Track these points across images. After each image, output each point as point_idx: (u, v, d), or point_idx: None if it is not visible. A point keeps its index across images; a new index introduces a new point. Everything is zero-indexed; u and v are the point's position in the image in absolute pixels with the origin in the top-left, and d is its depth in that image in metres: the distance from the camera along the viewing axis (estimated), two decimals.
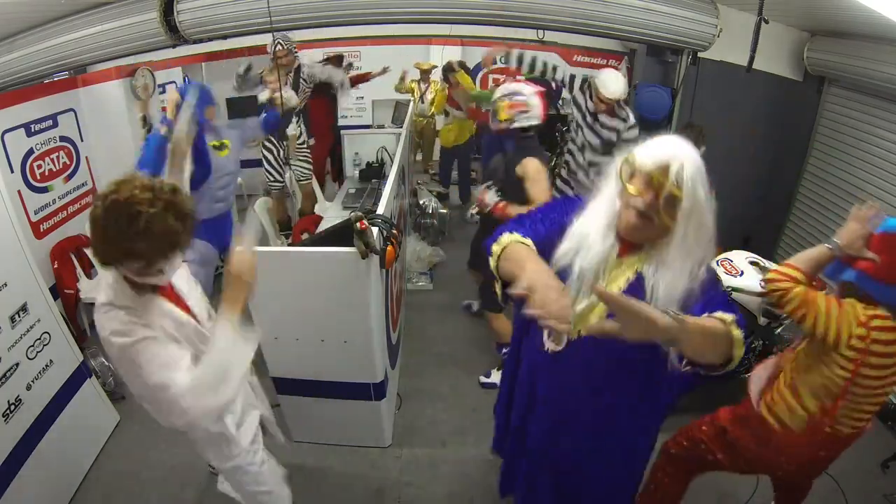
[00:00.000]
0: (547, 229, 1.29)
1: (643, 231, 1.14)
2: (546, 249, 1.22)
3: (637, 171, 1.12)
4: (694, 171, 1.07)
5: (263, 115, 3.01)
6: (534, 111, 2.37)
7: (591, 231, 1.21)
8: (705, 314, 1.09)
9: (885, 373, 1.43)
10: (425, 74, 5.25)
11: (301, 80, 3.83)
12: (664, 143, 1.12)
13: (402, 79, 5.21)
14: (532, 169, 2.31)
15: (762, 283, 1.64)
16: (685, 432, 1.86)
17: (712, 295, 1.16)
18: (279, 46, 3.50)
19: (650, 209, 1.10)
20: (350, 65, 4.67)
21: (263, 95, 3.21)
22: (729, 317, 1.08)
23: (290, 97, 3.64)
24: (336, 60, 4.38)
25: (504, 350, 2.88)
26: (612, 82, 2.85)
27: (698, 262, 1.13)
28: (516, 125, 2.38)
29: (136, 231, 1.09)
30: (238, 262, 1.29)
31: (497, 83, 5.64)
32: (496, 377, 2.90)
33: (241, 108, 2.96)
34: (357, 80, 4.58)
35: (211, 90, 2.60)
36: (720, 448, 1.75)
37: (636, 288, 1.17)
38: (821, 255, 1.52)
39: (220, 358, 1.23)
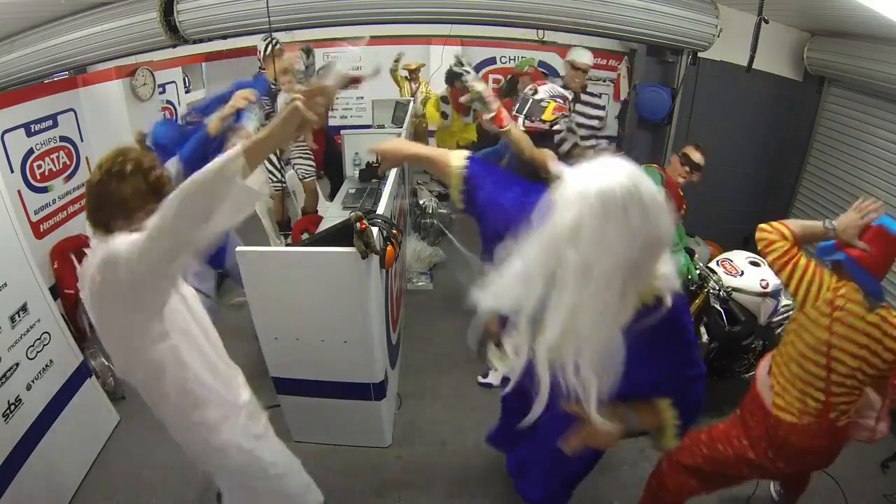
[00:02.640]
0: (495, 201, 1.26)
1: None
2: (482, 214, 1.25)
3: None
4: (574, 230, 0.89)
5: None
6: (567, 116, 2.42)
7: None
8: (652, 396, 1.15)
9: (856, 353, 1.48)
10: (414, 74, 5.26)
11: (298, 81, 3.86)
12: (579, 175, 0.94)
13: (398, 60, 5.22)
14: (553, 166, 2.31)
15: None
16: (687, 442, 1.85)
17: (666, 368, 1.10)
18: (278, 45, 3.51)
19: None
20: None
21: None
22: (665, 406, 1.15)
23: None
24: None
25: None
26: (583, 53, 3.09)
27: (603, 337, 0.95)
28: (556, 127, 2.40)
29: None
30: (310, 92, 1.09)
31: (498, 84, 5.68)
32: (493, 377, 2.91)
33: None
34: (351, 83, 4.59)
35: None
36: (724, 457, 1.74)
37: None
38: (815, 227, 1.61)
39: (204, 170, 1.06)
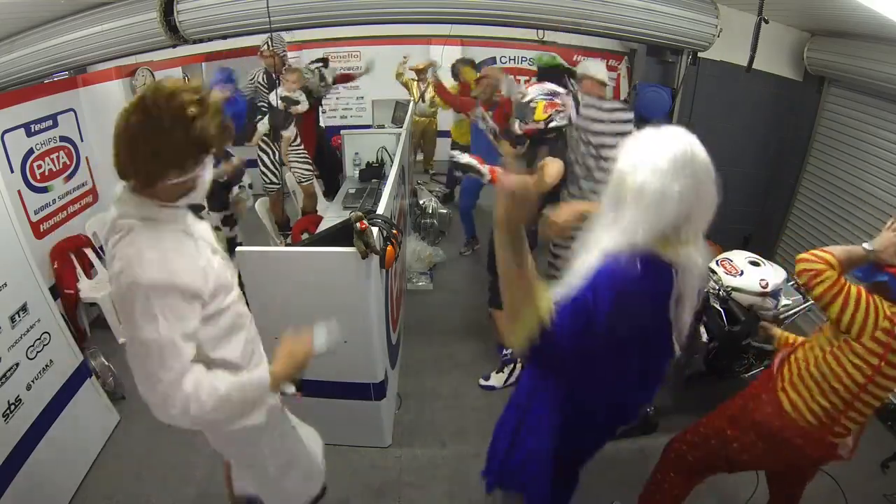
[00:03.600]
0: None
1: None
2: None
3: None
4: (648, 160, 1.12)
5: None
6: (567, 111, 2.39)
7: None
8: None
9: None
10: (422, 74, 5.20)
11: None
12: (650, 132, 1.18)
13: (404, 63, 5.09)
14: (554, 170, 2.28)
15: (794, 283, 1.64)
16: (692, 430, 1.85)
17: (577, 291, 1.10)
18: (265, 46, 3.53)
19: None
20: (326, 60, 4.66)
21: (281, 91, 3.26)
22: (546, 299, 1.05)
23: (302, 103, 3.70)
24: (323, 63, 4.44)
25: (505, 351, 2.88)
26: (596, 66, 3.00)
27: (610, 240, 1.16)
28: (553, 125, 2.38)
29: (180, 123, 1.01)
30: (295, 343, 1.35)
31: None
32: (495, 380, 2.90)
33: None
34: (340, 80, 4.61)
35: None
36: (730, 436, 1.72)
37: None
38: (854, 252, 1.52)
39: (247, 385, 1.22)
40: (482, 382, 2.92)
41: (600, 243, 1.17)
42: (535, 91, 2.40)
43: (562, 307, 1.07)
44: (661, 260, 1.15)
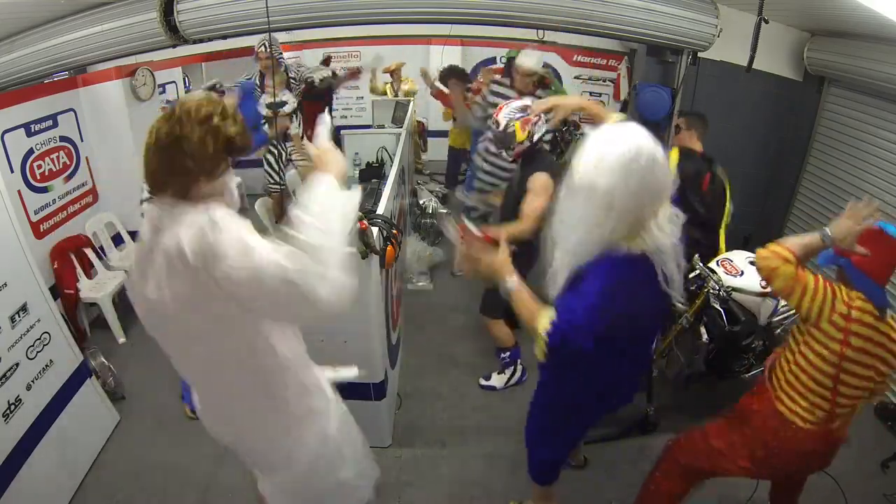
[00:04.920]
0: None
1: None
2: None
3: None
4: (596, 160, 1.19)
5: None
6: (541, 119, 2.35)
7: None
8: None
9: (868, 363, 1.46)
10: (396, 74, 5.38)
11: (290, 80, 3.90)
12: (601, 131, 1.24)
13: (373, 79, 5.33)
14: (538, 184, 2.31)
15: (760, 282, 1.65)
16: (689, 440, 1.85)
17: (570, 295, 1.29)
18: (262, 47, 3.52)
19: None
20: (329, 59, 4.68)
21: (263, 101, 3.25)
22: (545, 318, 1.28)
23: (290, 103, 3.69)
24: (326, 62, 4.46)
25: (503, 354, 2.87)
26: (529, 57, 3.15)
27: (578, 241, 1.26)
28: (537, 137, 2.36)
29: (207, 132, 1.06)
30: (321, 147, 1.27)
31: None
32: (496, 380, 2.91)
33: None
34: (351, 76, 4.61)
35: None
36: (738, 463, 1.72)
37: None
38: (812, 242, 1.54)
39: (322, 200, 1.14)
40: (482, 382, 2.92)
41: (568, 243, 1.29)
42: (505, 115, 2.35)
43: (573, 313, 1.25)
44: (635, 255, 1.24)
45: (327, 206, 1.13)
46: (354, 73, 4.69)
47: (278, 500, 1.51)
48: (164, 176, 1.09)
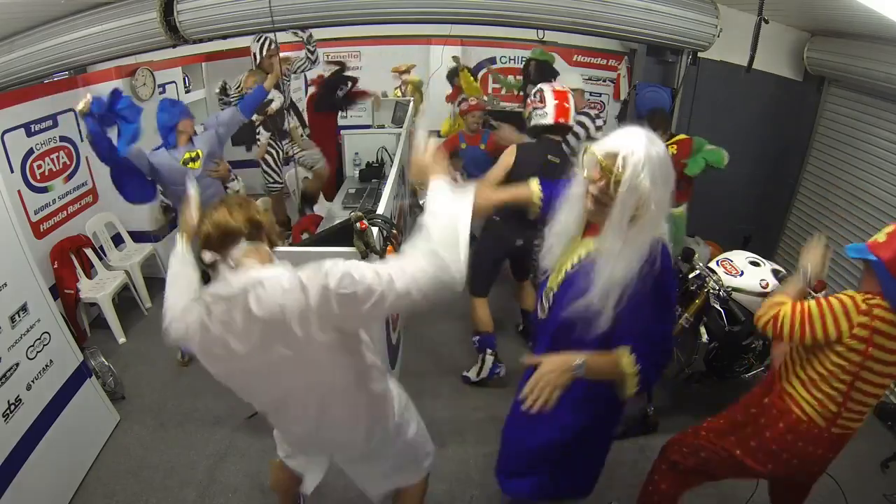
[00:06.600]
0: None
1: (599, 215, 1.25)
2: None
3: (593, 158, 1.22)
4: (641, 160, 1.15)
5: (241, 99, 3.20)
6: (548, 108, 2.45)
7: (564, 211, 1.39)
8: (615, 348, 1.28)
9: (890, 364, 1.43)
10: (404, 74, 5.42)
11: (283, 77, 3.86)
12: (620, 133, 1.22)
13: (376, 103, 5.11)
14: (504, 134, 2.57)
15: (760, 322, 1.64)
16: (690, 438, 1.84)
17: (631, 318, 1.23)
18: (272, 46, 3.51)
19: (602, 194, 1.21)
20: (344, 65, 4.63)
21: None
22: (625, 354, 1.26)
23: (275, 100, 3.68)
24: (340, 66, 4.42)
25: (476, 338, 2.88)
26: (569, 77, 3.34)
27: (637, 250, 1.19)
28: (533, 122, 2.46)
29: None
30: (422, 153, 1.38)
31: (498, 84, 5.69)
32: (472, 372, 2.93)
33: None
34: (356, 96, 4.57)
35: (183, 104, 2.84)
36: (739, 459, 1.71)
37: (586, 267, 1.29)
38: (798, 283, 1.61)
39: (443, 212, 1.25)
40: (464, 374, 2.96)
41: (623, 257, 1.21)
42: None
43: (654, 345, 1.29)
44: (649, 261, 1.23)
45: (450, 211, 1.26)
46: (363, 94, 4.66)
47: (378, 467, 1.62)
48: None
